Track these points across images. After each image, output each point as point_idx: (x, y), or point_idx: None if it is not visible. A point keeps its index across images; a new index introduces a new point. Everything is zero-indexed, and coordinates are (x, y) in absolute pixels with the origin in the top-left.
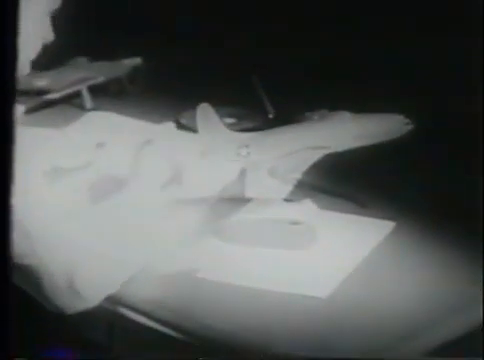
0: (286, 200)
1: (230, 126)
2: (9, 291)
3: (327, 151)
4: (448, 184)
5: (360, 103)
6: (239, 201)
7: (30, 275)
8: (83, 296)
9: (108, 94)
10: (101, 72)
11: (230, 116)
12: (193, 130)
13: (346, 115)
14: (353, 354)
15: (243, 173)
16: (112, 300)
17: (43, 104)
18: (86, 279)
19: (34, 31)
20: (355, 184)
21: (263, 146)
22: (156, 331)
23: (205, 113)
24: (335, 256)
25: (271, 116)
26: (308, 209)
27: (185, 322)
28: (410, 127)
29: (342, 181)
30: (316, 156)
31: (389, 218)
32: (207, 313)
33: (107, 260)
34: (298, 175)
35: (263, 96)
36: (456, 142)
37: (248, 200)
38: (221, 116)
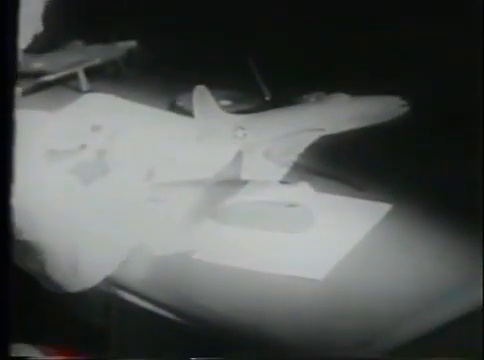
0: (282, 182)
1: (226, 108)
2: (9, 276)
3: (323, 133)
4: (445, 166)
5: (357, 85)
6: (235, 183)
7: (29, 251)
8: (83, 276)
9: (104, 76)
10: (97, 55)
11: (226, 98)
12: (189, 113)
13: (343, 97)
14: (349, 335)
15: (239, 155)
16: (108, 281)
17: (39, 86)
18: (87, 259)
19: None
20: (351, 166)
21: (259, 128)
22: (152, 312)
23: (201, 95)
24: (331, 238)
25: (268, 99)
26: (304, 191)
27: (181, 303)
28: (406, 109)
29: (338, 163)
30: (312, 138)
31: (385, 200)
32: (203, 295)
33: (106, 240)
34: (294, 157)
35: (260, 79)
36: (454, 124)
37: (244, 182)
38: (217, 98)
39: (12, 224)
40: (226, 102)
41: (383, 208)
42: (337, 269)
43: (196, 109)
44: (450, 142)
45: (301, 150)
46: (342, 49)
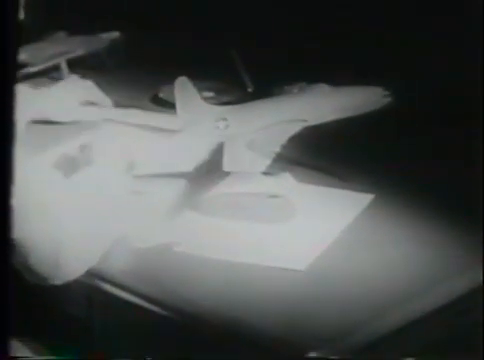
0: (264, 173)
1: (209, 100)
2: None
3: (306, 124)
4: (427, 156)
5: (340, 76)
6: (217, 175)
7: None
8: (65, 268)
9: (86, 68)
10: (79, 46)
11: (209, 90)
12: (171, 104)
13: (325, 88)
14: (331, 326)
15: (221, 147)
16: (90, 274)
17: (22, 77)
18: (69, 252)
19: None
20: (334, 157)
21: (241, 119)
22: (134, 305)
23: (183, 87)
24: (314, 229)
25: (250, 90)
26: (287, 182)
27: (163, 296)
28: (389, 99)
29: (321, 154)
30: (295, 129)
31: (367, 191)
32: (185, 286)
33: (88, 233)
34: (276, 148)
35: (242, 70)
36: (437, 114)
37: (226, 174)
38: (200, 90)
39: (12, 224)
40: (209, 94)
41: (365, 198)
42: (320, 260)
43: (178, 101)
44: (432, 132)
45: (284, 141)
46: (324, 40)
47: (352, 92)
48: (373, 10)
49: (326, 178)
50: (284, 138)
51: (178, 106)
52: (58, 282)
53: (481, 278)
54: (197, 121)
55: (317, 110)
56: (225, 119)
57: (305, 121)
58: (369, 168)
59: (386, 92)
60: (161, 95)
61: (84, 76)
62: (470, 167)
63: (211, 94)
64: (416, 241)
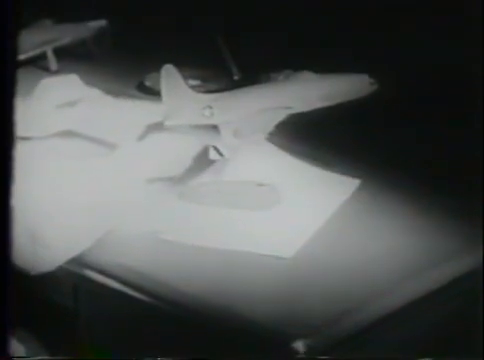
0: (251, 160)
1: (195, 88)
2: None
3: (292, 111)
4: (413, 141)
5: (326, 64)
6: (203, 162)
7: None
8: (43, 257)
9: (73, 56)
10: (66, 34)
11: (195, 78)
12: (157, 92)
13: (311, 75)
14: (318, 314)
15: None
16: (77, 262)
17: None
18: (47, 241)
19: None
20: (320, 144)
21: (227, 107)
22: (122, 293)
23: (169, 74)
24: (300, 216)
25: (236, 78)
26: (273, 169)
27: (149, 284)
28: (375, 87)
29: (307, 141)
30: (281, 116)
31: (354, 176)
32: (171, 275)
33: (69, 223)
34: (263, 135)
35: (228, 58)
36: (422, 100)
37: (212, 161)
38: (186, 78)
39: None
40: (195, 82)
41: (352, 183)
42: (306, 247)
43: (163, 88)
44: (417, 117)
45: (270, 129)
46: (310, 27)
47: (338, 79)
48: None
49: (313, 164)
50: (270, 126)
51: (163, 94)
52: (36, 272)
53: (479, 262)
54: (182, 108)
55: (303, 97)
56: (211, 107)
57: (290, 108)
58: (356, 154)
59: (372, 80)
60: (147, 83)
61: (70, 65)
62: (460, 151)
63: (197, 82)
64: (405, 228)
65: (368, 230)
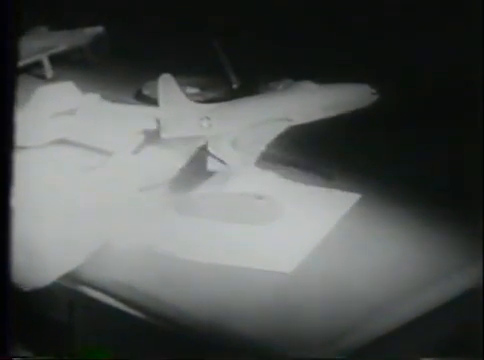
0: (250, 173)
1: (194, 96)
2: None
3: (292, 123)
4: (414, 155)
5: (326, 73)
6: (201, 174)
7: None
8: (38, 273)
9: (69, 63)
10: (62, 41)
11: (193, 85)
12: (155, 101)
13: (311, 86)
14: (317, 333)
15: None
16: (72, 278)
17: None
18: (42, 257)
19: None
20: (320, 156)
21: (225, 118)
22: (117, 310)
23: (166, 84)
24: (299, 230)
25: (235, 86)
26: (272, 182)
27: (145, 300)
28: (376, 97)
29: (307, 153)
30: (280, 129)
31: (354, 190)
32: (168, 291)
33: (69, 238)
34: (262, 148)
35: (227, 66)
36: (423, 113)
37: (211, 173)
38: (184, 85)
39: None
40: (193, 89)
41: (352, 198)
42: (306, 262)
43: (161, 99)
44: (419, 130)
45: (269, 141)
46: (309, 35)
47: (339, 90)
48: (363, 5)
49: (313, 177)
50: (270, 137)
51: (161, 105)
52: (31, 288)
53: (481, 279)
54: (180, 119)
55: (303, 109)
56: (209, 118)
57: (290, 120)
58: (356, 167)
59: (373, 90)
60: (145, 92)
61: (66, 73)
62: (462, 164)
63: (196, 90)
64: (405, 242)
65: (369, 245)
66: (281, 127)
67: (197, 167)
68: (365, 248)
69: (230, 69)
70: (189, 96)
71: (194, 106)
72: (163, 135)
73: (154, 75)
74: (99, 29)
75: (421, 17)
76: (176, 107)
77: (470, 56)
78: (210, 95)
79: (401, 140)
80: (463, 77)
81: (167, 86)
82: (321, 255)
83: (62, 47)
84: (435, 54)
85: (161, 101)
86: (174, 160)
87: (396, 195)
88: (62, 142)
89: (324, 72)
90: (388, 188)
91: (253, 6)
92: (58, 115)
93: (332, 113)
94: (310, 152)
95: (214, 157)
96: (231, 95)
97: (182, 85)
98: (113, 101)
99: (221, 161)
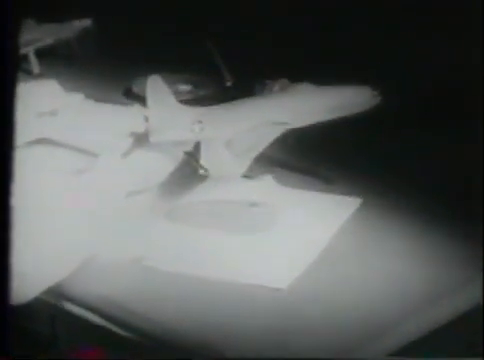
0: (245, 177)
1: (186, 93)
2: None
3: (289, 126)
4: (415, 158)
5: (324, 73)
6: (192, 179)
7: None
8: (20, 287)
9: (56, 58)
10: (49, 34)
11: (186, 83)
12: (144, 99)
13: (309, 87)
14: (316, 353)
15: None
16: (54, 293)
17: None
18: (22, 271)
19: None
20: (319, 159)
21: (218, 122)
22: (102, 327)
23: (155, 85)
24: (297, 240)
25: (229, 84)
26: (269, 187)
27: (131, 317)
28: (378, 99)
29: (305, 156)
30: (277, 132)
31: (355, 194)
32: (156, 307)
33: (46, 249)
34: (256, 152)
35: (220, 62)
36: (424, 116)
37: (203, 178)
38: (176, 82)
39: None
40: (186, 87)
41: (354, 202)
42: (303, 276)
43: (149, 101)
44: (420, 134)
45: (264, 145)
46: (309, 34)
47: (338, 92)
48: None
49: (311, 181)
50: (266, 141)
51: (149, 107)
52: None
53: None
54: (171, 123)
55: (301, 112)
56: (201, 121)
57: (287, 124)
58: (357, 171)
59: (375, 92)
60: (135, 89)
61: (53, 67)
62: (465, 169)
63: (188, 87)
64: (406, 254)
65: (370, 254)
66: (277, 131)
67: (188, 172)
68: (366, 260)
69: (223, 66)
70: (181, 93)
71: (185, 109)
72: (152, 139)
73: (145, 71)
74: (87, 22)
75: (421, 17)
76: (166, 110)
77: (470, 56)
78: (203, 92)
79: (401, 142)
80: (463, 77)
81: (156, 88)
82: (319, 269)
83: (49, 41)
84: (435, 54)
85: (150, 104)
86: (164, 164)
87: (397, 198)
88: (44, 142)
89: (324, 72)
90: (389, 191)
91: (250, 4)
92: (41, 115)
93: (331, 116)
94: (308, 155)
95: (196, 163)
96: (224, 93)
97: (174, 82)
98: (98, 100)
99: (203, 168)
